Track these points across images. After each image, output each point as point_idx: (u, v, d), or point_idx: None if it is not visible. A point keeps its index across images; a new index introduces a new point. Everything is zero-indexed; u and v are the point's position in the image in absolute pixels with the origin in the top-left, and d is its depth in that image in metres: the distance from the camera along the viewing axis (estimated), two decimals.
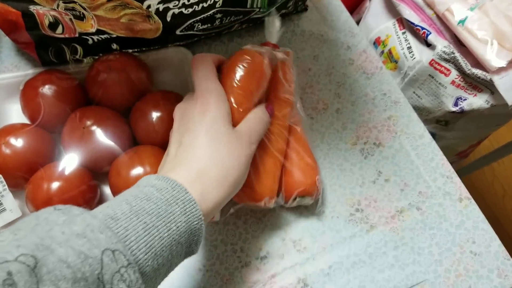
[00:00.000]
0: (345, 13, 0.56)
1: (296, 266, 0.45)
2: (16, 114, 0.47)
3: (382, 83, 0.53)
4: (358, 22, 0.80)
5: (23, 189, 0.43)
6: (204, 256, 0.45)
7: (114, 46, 0.47)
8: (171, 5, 0.41)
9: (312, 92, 0.52)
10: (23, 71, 0.49)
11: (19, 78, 0.47)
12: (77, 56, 0.48)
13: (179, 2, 0.41)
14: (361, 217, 0.47)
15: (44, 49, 0.47)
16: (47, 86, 0.44)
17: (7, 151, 0.41)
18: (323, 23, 0.55)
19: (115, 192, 0.42)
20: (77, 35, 0.44)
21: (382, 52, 0.67)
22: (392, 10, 0.66)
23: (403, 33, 0.64)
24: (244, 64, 0.40)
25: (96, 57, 0.48)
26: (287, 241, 0.46)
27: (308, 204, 0.45)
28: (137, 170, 0.41)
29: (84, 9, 0.40)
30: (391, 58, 0.66)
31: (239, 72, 0.40)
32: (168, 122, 0.44)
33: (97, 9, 0.40)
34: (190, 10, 0.43)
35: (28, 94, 0.45)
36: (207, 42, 0.53)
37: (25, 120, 0.46)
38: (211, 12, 0.45)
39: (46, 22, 0.43)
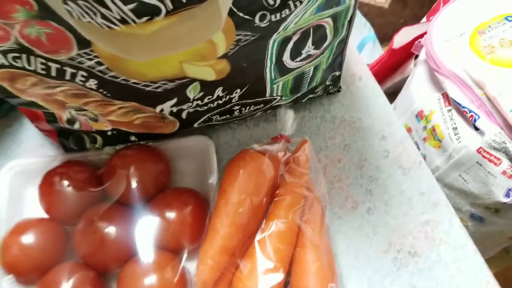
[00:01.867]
0: (382, 98, 0.52)
1: None
2: (36, 199, 0.46)
3: (420, 180, 0.48)
4: (401, 83, 0.75)
5: (34, 285, 0.42)
6: None
7: (133, 138, 0.46)
8: (184, 106, 0.39)
9: (341, 187, 0.48)
10: (46, 155, 0.49)
11: (40, 165, 0.47)
12: (97, 145, 0.47)
13: (192, 104, 0.39)
14: None
15: (65, 137, 0.47)
16: (64, 182, 0.43)
17: (19, 253, 0.41)
18: (356, 108, 0.51)
19: None
20: (94, 130, 0.43)
21: (425, 127, 0.62)
22: (438, 83, 0.60)
23: (449, 110, 0.58)
24: (243, 167, 0.41)
25: (116, 147, 0.46)
26: None
27: None
28: (148, 280, 0.39)
29: (96, 115, 0.39)
30: (434, 136, 0.60)
31: (237, 175, 0.40)
32: (180, 225, 0.41)
33: (109, 116, 0.39)
34: (205, 107, 0.41)
35: (45, 189, 0.44)
36: (232, 126, 0.51)
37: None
38: (228, 106, 0.42)
39: (64, 118, 0.43)
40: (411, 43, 0.67)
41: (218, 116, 0.44)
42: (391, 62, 0.72)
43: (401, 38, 0.68)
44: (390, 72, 0.77)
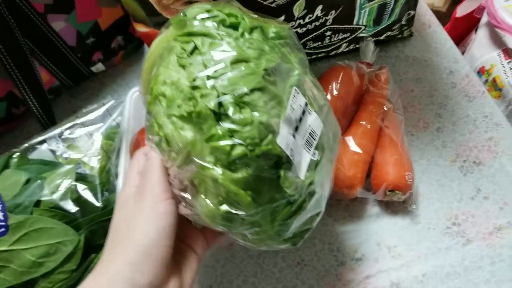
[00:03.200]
0: (449, 42, 0.60)
1: (390, 270, 0.48)
2: None
3: (484, 106, 0.55)
4: (463, 54, 0.82)
5: None
6: (304, 251, 0.50)
7: None
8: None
9: (414, 111, 0.55)
10: None
11: None
12: None
13: (295, 23, 0.49)
14: (457, 231, 0.49)
15: None
16: None
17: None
18: (427, 49, 0.59)
19: None
20: None
21: (486, 81, 0.69)
22: (498, 41, 0.67)
23: (508, 62, 0.65)
24: (336, 75, 0.50)
25: None
26: (382, 246, 0.49)
27: (400, 200, 0.48)
28: None
29: None
30: (495, 87, 0.67)
31: (333, 81, 0.50)
32: None
33: None
34: (304, 29, 0.50)
35: None
36: (317, 64, 0.60)
37: None
38: (321, 30, 0.52)
39: None
40: (472, 12, 0.75)
41: (312, 42, 0.54)
42: (454, 34, 0.80)
43: (464, 9, 0.76)
44: None
